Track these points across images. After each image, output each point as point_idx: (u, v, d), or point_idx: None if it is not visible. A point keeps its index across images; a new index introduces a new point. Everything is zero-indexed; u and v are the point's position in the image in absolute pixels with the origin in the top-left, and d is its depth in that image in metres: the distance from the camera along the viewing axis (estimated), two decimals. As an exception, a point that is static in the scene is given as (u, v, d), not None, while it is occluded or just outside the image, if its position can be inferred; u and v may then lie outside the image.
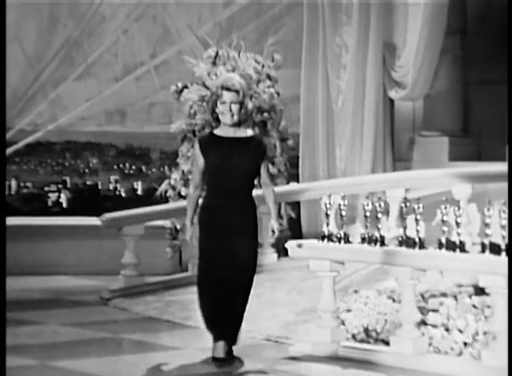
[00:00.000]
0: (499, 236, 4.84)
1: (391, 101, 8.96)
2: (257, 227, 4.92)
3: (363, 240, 5.37)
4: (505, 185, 5.38)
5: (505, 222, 4.80)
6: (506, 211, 4.79)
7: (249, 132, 4.86)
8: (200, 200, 4.97)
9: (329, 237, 5.41)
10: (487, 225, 4.89)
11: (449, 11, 8.50)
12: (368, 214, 5.34)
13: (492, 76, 8.60)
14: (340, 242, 5.41)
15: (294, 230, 8.46)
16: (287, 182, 8.51)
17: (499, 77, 8.24)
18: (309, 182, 8.63)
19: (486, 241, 4.90)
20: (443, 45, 8.58)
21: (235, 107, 4.73)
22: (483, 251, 4.91)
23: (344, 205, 5.41)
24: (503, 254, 4.81)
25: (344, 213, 5.41)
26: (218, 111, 4.77)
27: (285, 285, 7.06)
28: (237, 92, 4.75)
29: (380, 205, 5.33)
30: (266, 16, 10.72)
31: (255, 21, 10.68)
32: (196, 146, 4.82)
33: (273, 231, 4.93)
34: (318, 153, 8.91)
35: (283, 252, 7.22)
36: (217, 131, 4.83)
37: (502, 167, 6.70)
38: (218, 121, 4.82)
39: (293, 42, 9.85)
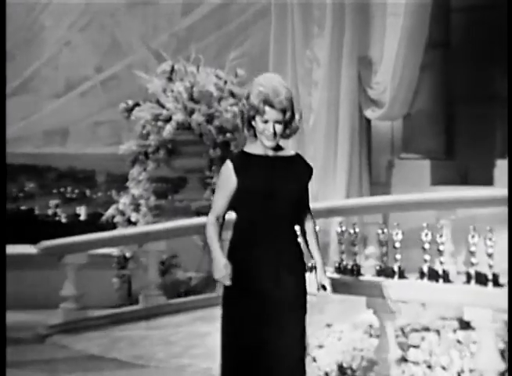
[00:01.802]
0: (485, 266, 4.93)
1: (368, 121, 9.10)
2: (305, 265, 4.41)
3: (338, 269, 5.42)
4: (491, 210, 5.50)
5: (491, 250, 4.89)
6: (493, 238, 4.90)
7: (291, 150, 4.37)
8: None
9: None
10: (472, 253, 4.98)
11: (431, 22, 8.60)
12: (342, 241, 5.40)
13: (478, 92, 8.75)
14: (311, 271, 5.45)
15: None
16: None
17: (485, 94, 8.39)
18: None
19: (472, 271, 4.99)
20: (424, 59, 8.68)
21: (279, 127, 4.24)
22: (468, 281, 5.00)
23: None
24: (490, 284, 4.90)
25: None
26: (256, 128, 4.25)
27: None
28: (284, 110, 4.23)
29: (355, 232, 5.40)
30: (229, 27, 10.82)
31: (216, 32, 10.78)
32: (229, 167, 4.26)
33: (324, 287, 4.40)
34: (286, 177, 8.96)
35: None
36: (251, 150, 4.31)
37: (488, 191, 6.85)
38: (254, 136, 4.31)
39: (260, 55, 9.97)
